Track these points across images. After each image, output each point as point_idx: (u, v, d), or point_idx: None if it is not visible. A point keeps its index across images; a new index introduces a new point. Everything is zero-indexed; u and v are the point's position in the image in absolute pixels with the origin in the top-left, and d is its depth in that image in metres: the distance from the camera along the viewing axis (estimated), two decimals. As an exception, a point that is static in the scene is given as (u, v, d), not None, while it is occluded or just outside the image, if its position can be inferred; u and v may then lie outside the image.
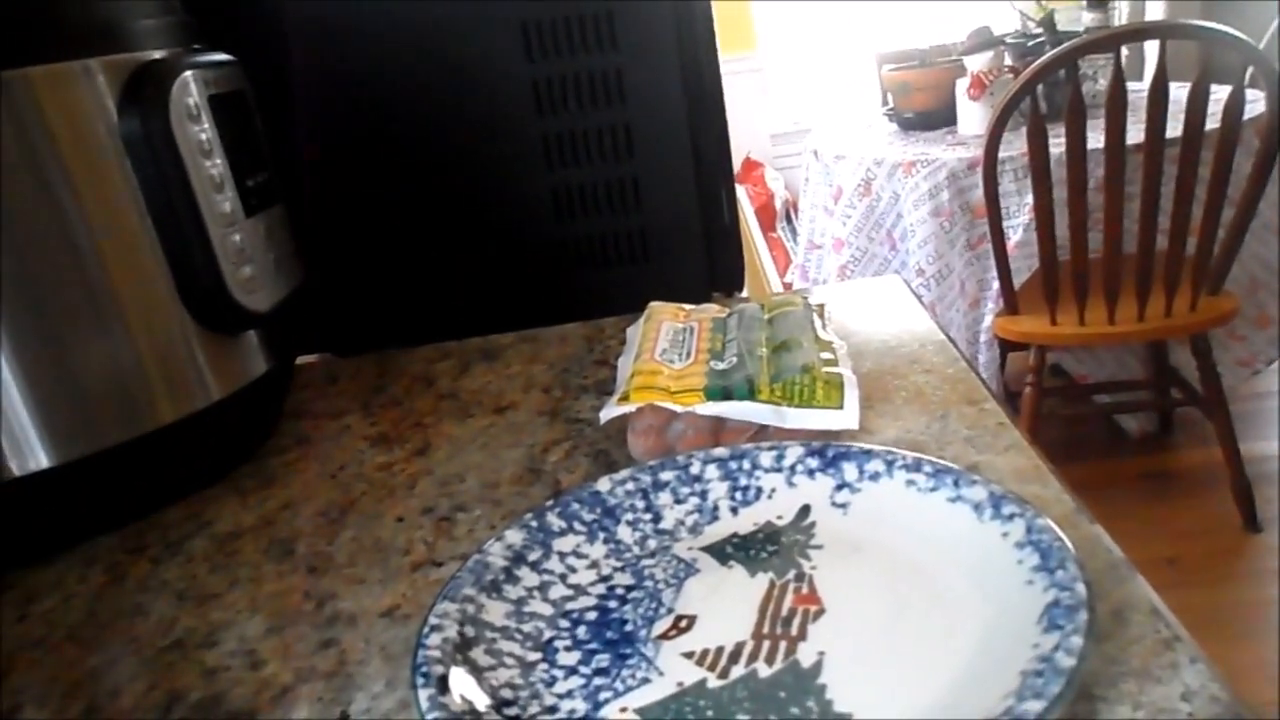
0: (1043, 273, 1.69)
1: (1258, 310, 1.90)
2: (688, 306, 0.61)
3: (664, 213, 0.73)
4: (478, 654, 0.34)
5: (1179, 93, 1.57)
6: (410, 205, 0.73)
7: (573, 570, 0.39)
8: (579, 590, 0.38)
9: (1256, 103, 1.79)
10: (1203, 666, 0.30)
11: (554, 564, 0.39)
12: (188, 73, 0.51)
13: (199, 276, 0.52)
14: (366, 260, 0.74)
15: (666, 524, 0.42)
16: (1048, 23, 2.13)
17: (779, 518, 0.41)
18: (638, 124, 0.70)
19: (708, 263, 0.74)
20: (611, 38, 0.68)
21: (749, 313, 0.57)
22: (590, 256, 0.74)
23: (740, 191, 2.98)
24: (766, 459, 0.43)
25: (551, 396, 0.60)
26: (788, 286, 2.59)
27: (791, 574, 0.37)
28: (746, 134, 3.30)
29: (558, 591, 0.38)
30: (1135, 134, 1.59)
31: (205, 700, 0.37)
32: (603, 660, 0.34)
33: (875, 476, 0.41)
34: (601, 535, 0.41)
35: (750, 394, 0.47)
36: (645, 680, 0.33)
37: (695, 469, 0.43)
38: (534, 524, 0.40)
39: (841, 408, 0.46)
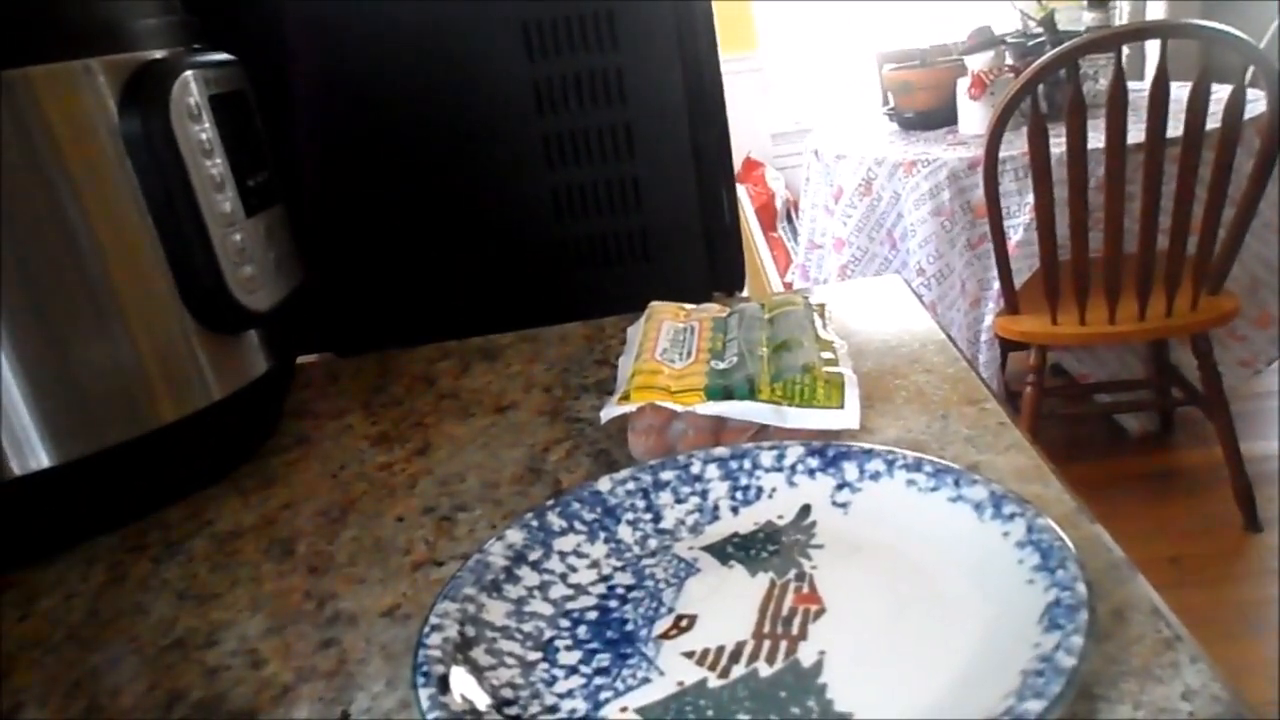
0: (1043, 272, 1.69)
1: (1258, 310, 1.90)
2: (688, 306, 0.61)
3: (665, 212, 0.73)
4: (478, 653, 0.34)
5: (1180, 92, 1.57)
6: (410, 205, 0.73)
7: (573, 570, 0.39)
8: (579, 590, 0.38)
9: (1257, 102, 1.79)
10: (1203, 666, 0.30)
11: (554, 563, 0.39)
12: (188, 72, 0.51)
13: (200, 276, 0.52)
14: (367, 260, 0.74)
15: (667, 523, 0.42)
16: (1048, 22, 2.13)
17: (780, 517, 0.41)
18: (638, 124, 0.70)
19: (708, 262, 0.74)
20: (612, 37, 0.68)
21: (749, 312, 0.57)
22: (591, 256, 0.74)
23: (741, 191, 2.98)
24: (767, 458, 0.43)
25: (552, 396, 0.60)
26: (788, 286, 2.59)
27: (792, 573, 0.37)
28: (747, 133, 3.30)
29: (558, 591, 0.38)
30: (1136, 133, 1.58)
31: (206, 700, 0.37)
32: (603, 660, 0.34)
33: (876, 476, 0.41)
34: (602, 535, 0.41)
35: (751, 394, 0.47)
36: (646, 680, 0.33)
37: (696, 468, 0.43)
38: (534, 523, 0.40)
39: (842, 407, 0.46)
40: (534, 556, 0.39)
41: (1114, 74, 1.52)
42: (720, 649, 0.33)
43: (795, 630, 0.34)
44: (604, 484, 0.43)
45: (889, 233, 1.98)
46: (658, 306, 0.61)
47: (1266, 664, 1.52)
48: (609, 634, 0.35)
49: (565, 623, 0.36)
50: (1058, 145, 1.63)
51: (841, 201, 2.04)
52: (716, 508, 0.42)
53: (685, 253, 0.74)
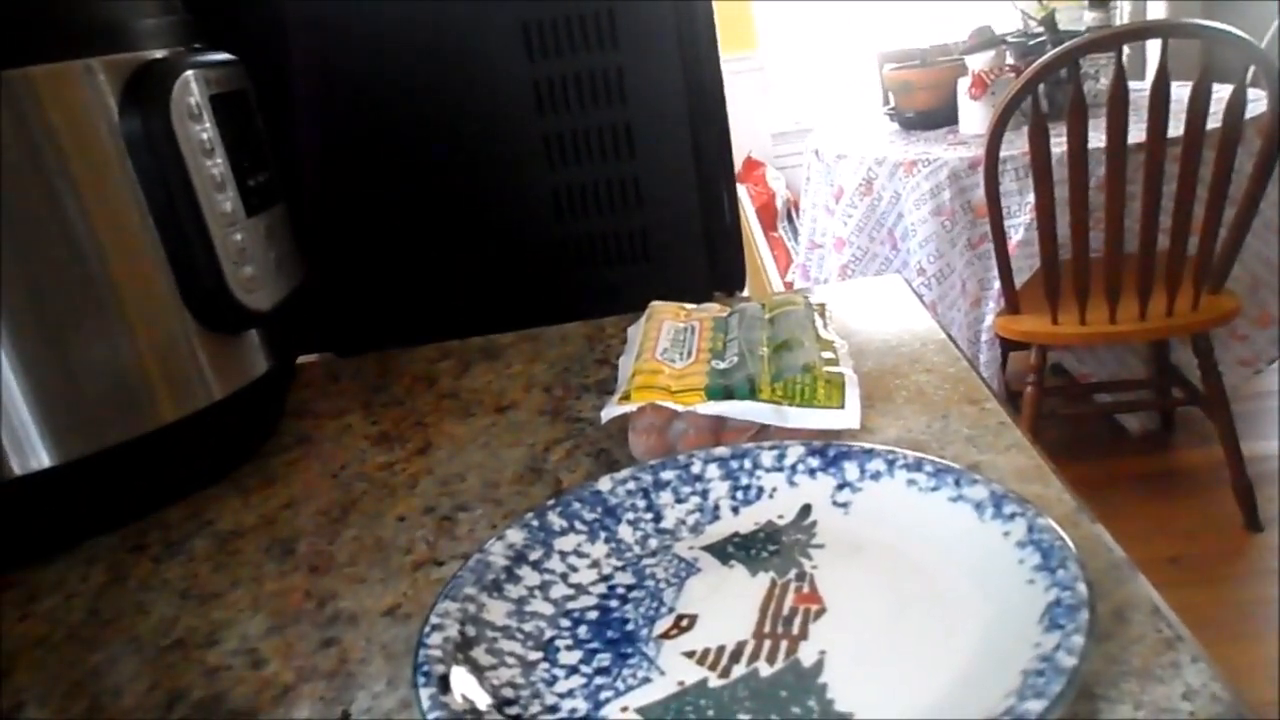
0: (1044, 272, 1.69)
1: (1259, 309, 1.90)
2: (689, 306, 0.61)
3: (665, 212, 0.73)
4: (479, 653, 0.34)
5: (1180, 92, 1.57)
6: (411, 204, 0.73)
7: (574, 569, 0.39)
8: (580, 589, 0.38)
9: (1258, 102, 1.79)
10: (1204, 666, 0.30)
11: (555, 563, 0.39)
12: (189, 72, 0.51)
13: (200, 276, 0.52)
14: (367, 260, 0.74)
15: (667, 523, 0.42)
16: (1049, 22, 2.13)
17: (780, 517, 0.41)
18: (639, 123, 0.70)
19: (709, 262, 0.74)
20: (612, 37, 0.68)
21: (750, 312, 0.57)
22: (591, 256, 0.74)
23: (741, 191, 2.99)
24: (768, 458, 0.43)
25: (553, 396, 0.60)
26: (789, 286, 2.59)
27: (793, 573, 0.37)
28: (748, 133, 3.30)
29: (559, 591, 0.38)
30: (1137, 133, 1.58)
31: (207, 699, 0.37)
32: (604, 659, 0.34)
33: (876, 476, 0.41)
34: (603, 534, 0.41)
35: (751, 393, 0.47)
36: (646, 679, 0.33)
37: (696, 468, 0.43)
38: (535, 523, 0.40)
39: (843, 407, 0.46)
40: (534, 556, 0.39)
41: (1115, 73, 1.51)
42: (721, 649, 0.33)
43: (796, 630, 0.34)
44: (604, 484, 0.43)
45: (889, 232, 1.98)
46: (658, 306, 0.61)
47: (1267, 664, 1.52)
48: (609, 634, 0.35)
49: (566, 622, 0.36)
50: (1058, 145, 1.63)
51: (842, 201, 2.04)
52: (717, 507, 0.42)
53: (686, 252, 0.74)
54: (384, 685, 0.36)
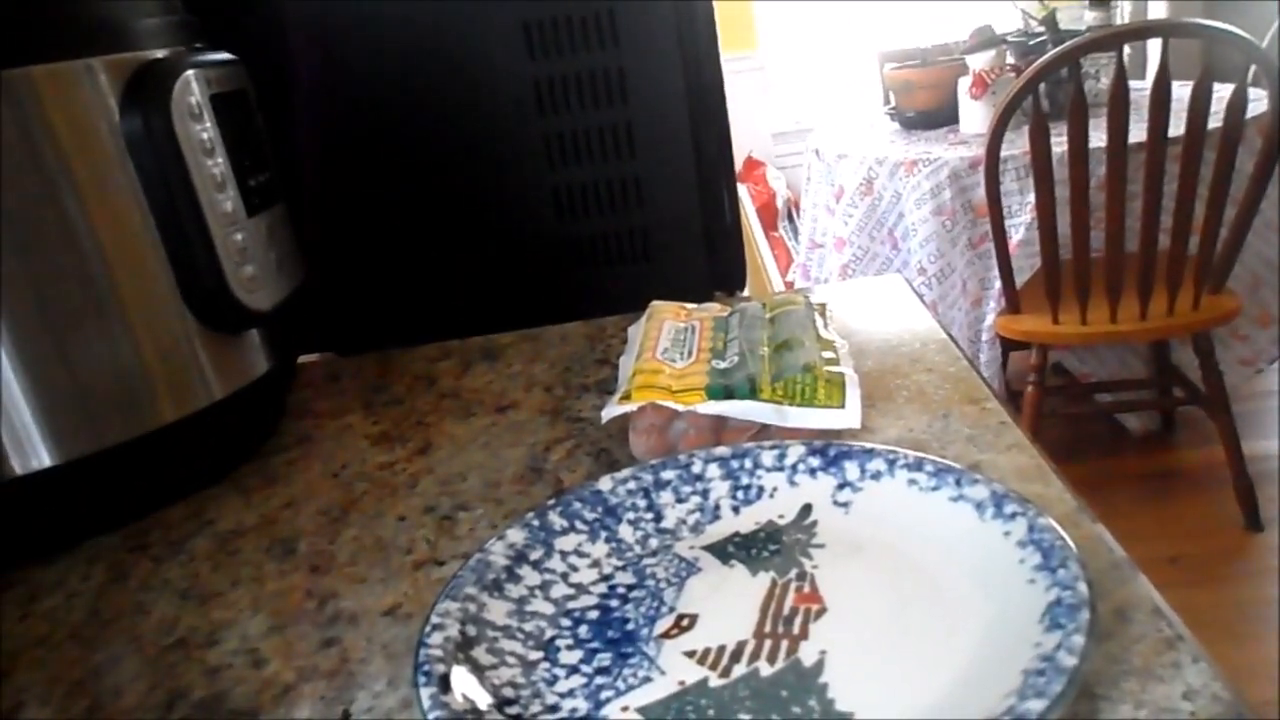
0: (1045, 271, 1.69)
1: (1260, 309, 1.90)
2: (689, 305, 0.61)
3: (665, 212, 0.73)
4: (479, 653, 0.34)
5: (1181, 91, 1.57)
6: (411, 204, 0.73)
7: (574, 569, 0.39)
8: (580, 589, 0.38)
9: (1259, 101, 1.79)
10: (1205, 665, 0.30)
11: (556, 563, 0.39)
12: (190, 72, 0.51)
13: (201, 276, 0.52)
14: (368, 259, 0.74)
15: (668, 523, 0.42)
16: (1050, 21, 2.13)
17: (780, 517, 0.41)
18: (639, 123, 0.70)
19: (709, 262, 0.74)
20: (613, 37, 0.68)
21: (750, 312, 0.57)
22: (592, 255, 0.74)
23: (742, 190, 2.98)
24: (768, 458, 0.43)
25: (553, 395, 0.60)
26: (789, 285, 2.59)
27: (793, 573, 0.37)
28: (748, 133, 3.30)
29: (559, 590, 0.38)
30: (1137, 133, 1.58)
31: (207, 699, 0.37)
32: (604, 659, 0.34)
33: (877, 476, 0.41)
34: (603, 534, 0.41)
35: (752, 393, 0.47)
36: (647, 679, 0.33)
37: (697, 468, 0.43)
38: (535, 523, 0.40)
39: (843, 407, 0.46)
40: (535, 556, 0.39)
41: (1115, 73, 1.51)
42: (721, 648, 0.33)
43: (796, 630, 0.34)
44: (605, 483, 0.43)
45: (890, 232, 1.98)
46: (659, 306, 0.61)
47: (1267, 663, 1.52)
48: (610, 633, 0.35)
49: (566, 622, 0.36)
50: (1059, 144, 1.63)
51: (843, 201, 2.04)
52: (718, 507, 0.42)
53: (686, 252, 0.74)
54: (385, 685, 0.36)
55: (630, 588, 0.38)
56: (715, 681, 0.32)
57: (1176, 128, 1.55)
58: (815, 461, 0.42)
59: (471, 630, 0.34)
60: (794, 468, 0.42)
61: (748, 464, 0.43)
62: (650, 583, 0.38)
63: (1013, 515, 0.35)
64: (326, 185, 0.72)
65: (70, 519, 0.51)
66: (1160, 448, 2.18)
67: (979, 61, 1.97)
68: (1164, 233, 1.63)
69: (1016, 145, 1.73)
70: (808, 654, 0.33)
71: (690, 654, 0.33)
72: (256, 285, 0.55)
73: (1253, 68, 1.54)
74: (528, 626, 0.36)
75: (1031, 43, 2.08)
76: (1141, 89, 1.90)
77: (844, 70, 3.36)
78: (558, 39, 0.68)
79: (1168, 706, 0.29)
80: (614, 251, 0.74)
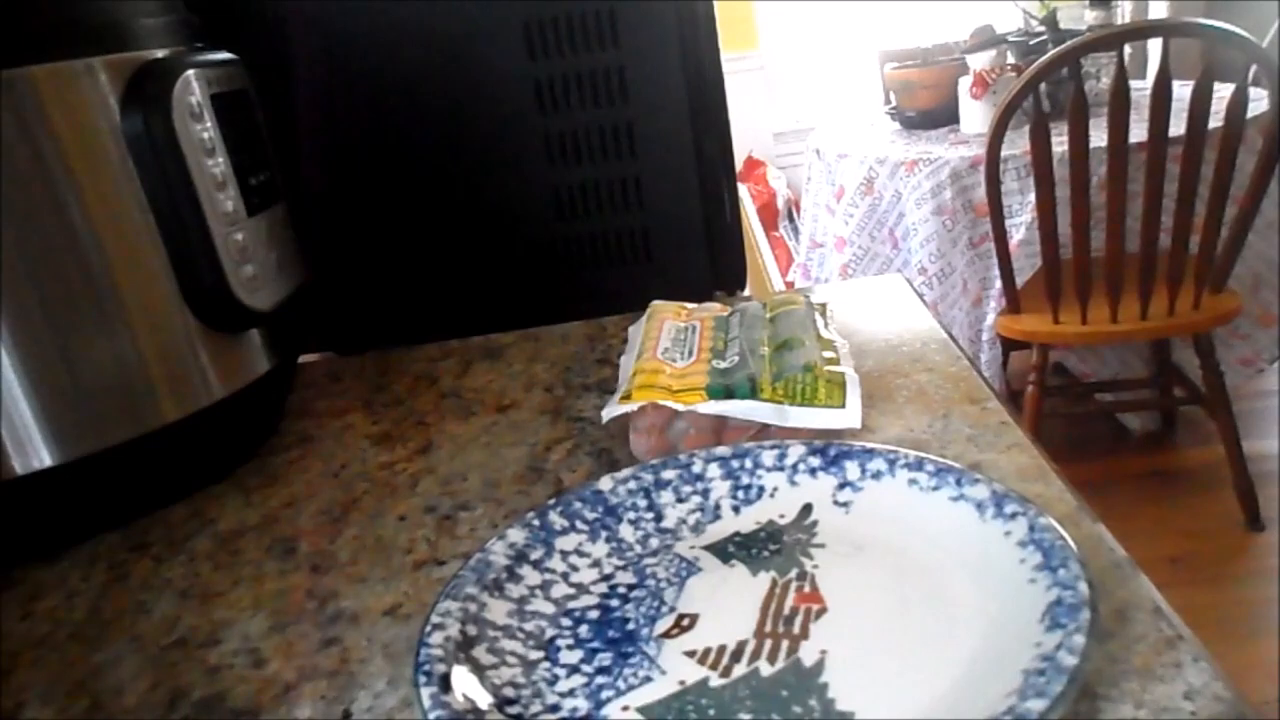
0: (1045, 271, 1.69)
1: (1261, 309, 1.90)
2: (690, 305, 0.61)
3: (666, 211, 0.73)
4: (480, 652, 0.34)
5: (1182, 91, 1.57)
6: (412, 204, 0.73)
7: (575, 569, 0.39)
8: (581, 589, 0.38)
9: (1260, 101, 1.79)
10: (1205, 665, 0.30)
11: (556, 562, 0.39)
12: (190, 71, 0.51)
13: (202, 275, 0.52)
14: (368, 259, 0.74)
15: (668, 523, 0.42)
16: (1050, 21, 2.13)
17: (781, 516, 0.41)
18: (640, 123, 0.70)
19: (710, 261, 0.74)
20: (614, 36, 0.68)
21: (751, 311, 0.57)
22: (592, 255, 0.74)
23: (742, 190, 2.98)
24: (768, 458, 0.43)
25: (553, 395, 0.60)
26: (790, 285, 2.59)
27: (794, 573, 0.37)
28: (749, 132, 3.30)
29: (560, 590, 0.38)
30: (1138, 132, 1.58)
31: (208, 699, 0.37)
32: (605, 659, 0.34)
33: (877, 475, 0.41)
34: (604, 534, 0.41)
35: (752, 393, 0.47)
36: (647, 679, 0.33)
37: (697, 468, 0.43)
38: (536, 523, 0.40)
39: (843, 406, 0.46)
40: (535, 555, 0.39)
41: (1116, 73, 1.51)
42: (722, 648, 0.33)
43: (797, 629, 0.34)
44: (605, 483, 0.43)
45: (890, 232, 1.98)
46: (659, 305, 0.61)
47: (1268, 663, 1.52)
48: (610, 633, 0.35)
49: (567, 622, 0.36)
50: (1060, 144, 1.63)
51: (843, 200, 2.04)
52: (718, 507, 0.42)
53: (687, 252, 0.74)
54: (385, 684, 0.36)
55: (631, 587, 0.38)
56: (716, 681, 0.32)
57: (1177, 127, 1.55)
58: (816, 461, 0.42)
59: (472, 630, 0.34)
60: (794, 467, 0.42)
61: (748, 464, 0.43)
62: (651, 582, 0.38)
63: (1013, 515, 0.35)
64: (327, 184, 0.72)
65: (71, 518, 0.51)
66: (1161, 447, 2.18)
67: (979, 61, 1.97)
68: (1164, 232, 1.63)
69: (1017, 145, 1.73)
70: (808, 654, 0.33)
71: (691, 654, 0.33)
72: (257, 285, 0.55)
73: (1253, 67, 1.54)
74: (528, 626, 0.36)
75: (1032, 42, 2.08)
76: (1142, 89, 1.90)
77: (845, 70, 3.36)
78: (558, 39, 0.68)
79: (1168, 706, 0.29)
80: (614, 251, 0.74)
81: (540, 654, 0.35)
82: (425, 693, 0.31)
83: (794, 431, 0.46)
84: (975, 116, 1.98)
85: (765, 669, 0.32)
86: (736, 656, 0.33)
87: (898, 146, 1.98)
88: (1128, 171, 1.58)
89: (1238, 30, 1.51)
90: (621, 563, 0.40)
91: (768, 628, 0.34)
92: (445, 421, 0.59)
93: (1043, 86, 1.58)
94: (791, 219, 3.22)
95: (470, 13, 0.68)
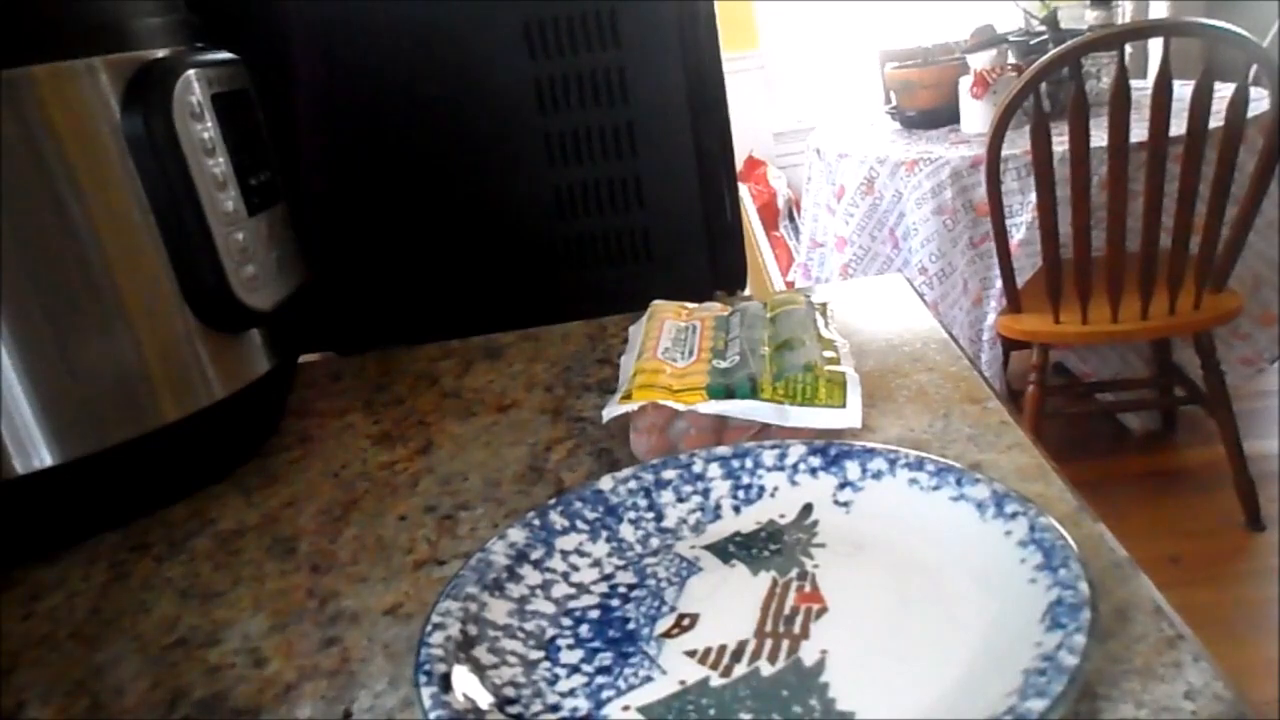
0: (1046, 271, 1.69)
1: (1261, 308, 1.90)
2: (690, 305, 0.61)
3: (666, 211, 0.73)
4: (480, 652, 0.34)
5: (1183, 91, 1.57)
6: (413, 204, 0.73)
7: (575, 569, 0.39)
8: (581, 588, 0.38)
9: (1260, 101, 1.79)
10: (1206, 665, 0.30)
11: (556, 562, 0.39)
12: (191, 71, 0.51)
13: (202, 275, 0.52)
14: (369, 259, 0.74)
15: (669, 522, 0.42)
16: (1051, 20, 2.13)
17: (781, 516, 0.41)
18: (640, 122, 0.70)
19: (710, 261, 0.74)
20: (614, 36, 0.68)
21: (751, 311, 0.57)
22: (593, 255, 0.74)
23: (743, 190, 2.98)
24: (769, 457, 0.43)
25: (554, 395, 0.60)
26: (790, 285, 2.59)
27: (794, 572, 0.37)
28: (749, 132, 3.30)
29: (560, 590, 0.38)
30: (1139, 132, 1.58)
31: (208, 698, 0.37)
32: (605, 658, 0.34)
33: (878, 475, 0.41)
34: (604, 534, 0.41)
35: (753, 392, 0.47)
36: (648, 678, 0.33)
37: (698, 467, 0.43)
38: (536, 522, 0.40)
39: (844, 406, 0.46)
40: (536, 555, 0.39)
41: (1117, 72, 1.51)
42: (722, 648, 0.33)
43: (797, 629, 0.34)
44: (606, 483, 0.43)
45: (891, 231, 1.98)
46: (660, 305, 0.61)
47: (1268, 663, 1.52)
48: (611, 633, 0.35)
49: (567, 621, 0.36)
50: (1060, 144, 1.63)
51: (843, 200, 2.04)
52: (718, 506, 0.42)
53: (687, 251, 0.74)
54: (385, 684, 0.36)
55: (631, 587, 0.38)
56: (716, 681, 0.32)
57: (1178, 127, 1.55)
58: (816, 461, 0.42)
59: (472, 629, 0.34)
60: (795, 467, 0.42)
61: (749, 463, 0.43)
62: (651, 582, 0.38)
63: (1014, 515, 0.35)
64: (328, 184, 0.72)
65: (72, 518, 0.51)
66: (1161, 447, 2.18)
67: (980, 61, 1.97)
68: (1165, 232, 1.63)
69: (1017, 145, 1.73)
70: (809, 653, 0.33)
71: (691, 653, 0.33)
72: (257, 285, 0.55)
73: (1254, 67, 1.54)
74: (529, 626, 0.36)
75: (1033, 42, 2.08)
76: (1143, 88, 1.90)
77: (845, 69, 3.36)
78: (559, 38, 0.68)
79: (1169, 706, 0.29)
80: (615, 251, 0.74)
81: (541, 654, 0.35)
82: (426, 692, 0.31)
83: (794, 431, 0.46)
84: (976, 116, 1.98)
85: (766, 669, 0.32)
86: (737, 656, 0.33)
87: (898, 146, 1.98)
88: (1128, 171, 1.58)
89: (1238, 30, 1.51)
90: (622, 562, 0.40)
91: (768, 627, 0.34)
92: (446, 421, 0.59)
93: (1043, 86, 1.58)
94: (792, 219, 3.22)
95: (470, 12, 0.68)
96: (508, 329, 0.74)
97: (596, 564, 0.39)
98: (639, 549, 0.40)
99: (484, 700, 0.31)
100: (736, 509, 0.42)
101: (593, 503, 0.42)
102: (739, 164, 3.08)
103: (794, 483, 0.42)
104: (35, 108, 0.45)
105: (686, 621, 0.35)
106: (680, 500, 0.42)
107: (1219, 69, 1.54)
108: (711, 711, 0.31)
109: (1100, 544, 0.37)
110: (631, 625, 0.35)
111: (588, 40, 0.68)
